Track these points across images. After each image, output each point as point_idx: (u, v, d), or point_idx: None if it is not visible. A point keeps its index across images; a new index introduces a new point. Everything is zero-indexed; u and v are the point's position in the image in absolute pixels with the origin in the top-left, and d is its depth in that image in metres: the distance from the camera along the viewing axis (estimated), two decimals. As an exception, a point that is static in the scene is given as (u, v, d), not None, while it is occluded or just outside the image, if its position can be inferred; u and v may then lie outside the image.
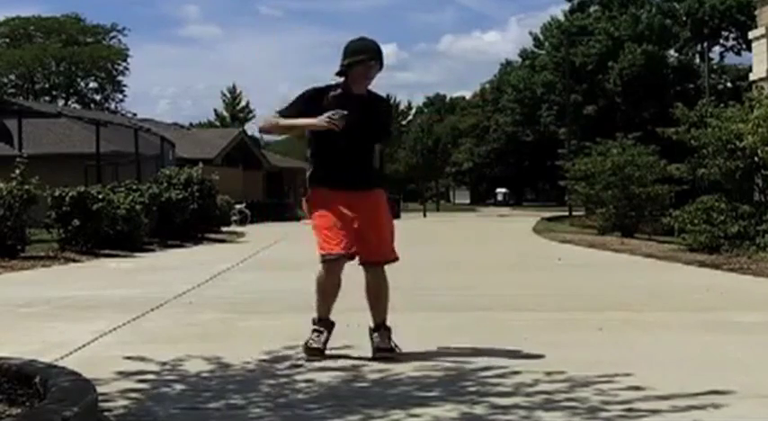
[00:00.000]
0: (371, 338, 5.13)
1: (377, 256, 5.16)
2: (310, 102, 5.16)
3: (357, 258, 5.20)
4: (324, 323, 5.15)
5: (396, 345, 5.08)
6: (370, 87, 5.27)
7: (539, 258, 14.21)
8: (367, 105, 5.17)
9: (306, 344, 5.09)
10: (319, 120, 5.05)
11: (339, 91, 5.17)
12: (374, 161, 5.29)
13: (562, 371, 4.47)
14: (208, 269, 11.57)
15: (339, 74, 5.20)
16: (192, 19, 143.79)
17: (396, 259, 5.24)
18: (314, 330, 5.14)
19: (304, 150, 5.40)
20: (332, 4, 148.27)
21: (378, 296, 5.19)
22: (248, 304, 7.84)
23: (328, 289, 5.14)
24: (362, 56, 5.11)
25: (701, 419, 3.62)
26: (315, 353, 5.02)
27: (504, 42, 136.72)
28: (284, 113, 5.27)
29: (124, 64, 76.33)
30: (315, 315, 5.20)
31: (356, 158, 5.14)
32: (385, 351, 5.03)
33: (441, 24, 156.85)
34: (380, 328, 5.14)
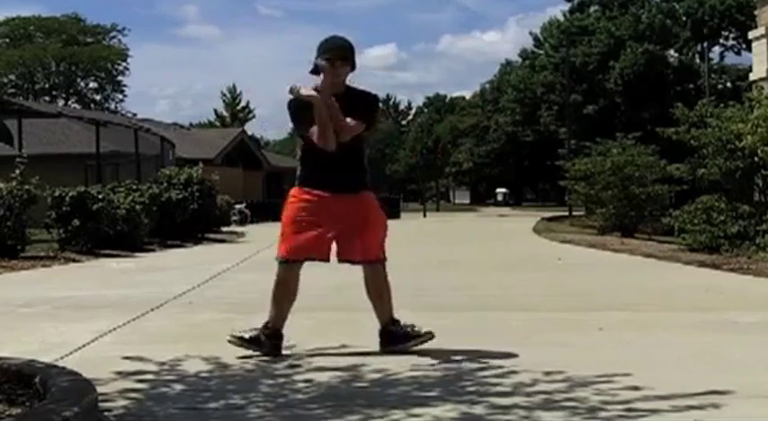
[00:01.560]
0: (384, 337, 5.15)
1: (362, 257, 5.15)
2: (304, 111, 5.11)
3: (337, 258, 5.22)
4: (270, 331, 5.12)
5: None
6: (353, 85, 5.26)
7: (539, 258, 14.21)
8: (346, 103, 5.12)
9: (235, 333, 5.12)
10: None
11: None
12: (363, 163, 5.29)
13: (562, 371, 4.47)
14: (208, 269, 11.56)
15: (313, 72, 5.19)
16: (191, 19, 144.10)
17: (383, 260, 5.22)
18: (255, 329, 5.14)
19: (295, 151, 5.40)
20: (330, 3, 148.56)
21: (379, 293, 5.20)
22: (248, 304, 7.82)
23: (277, 289, 5.17)
24: (327, 55, 5.10)
25: (701, 419, 3.62)
26: (235, 341, 5.05)
27: (504, 42, 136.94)
28: (300, 132, 5.28)
29: (124, 64, 76.46)
30: (268, 320, 5.18)
31: (342, 159, 5.11)
32: (423, 336, 5.11)
33: (440, 24, 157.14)
34: (394, 324, 5.17)
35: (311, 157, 5.21)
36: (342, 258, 5.21)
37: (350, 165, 5.17)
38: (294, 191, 5.24)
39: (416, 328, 5.17)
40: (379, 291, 5.20)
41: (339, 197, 5.11)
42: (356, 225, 5.12)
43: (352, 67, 5.21)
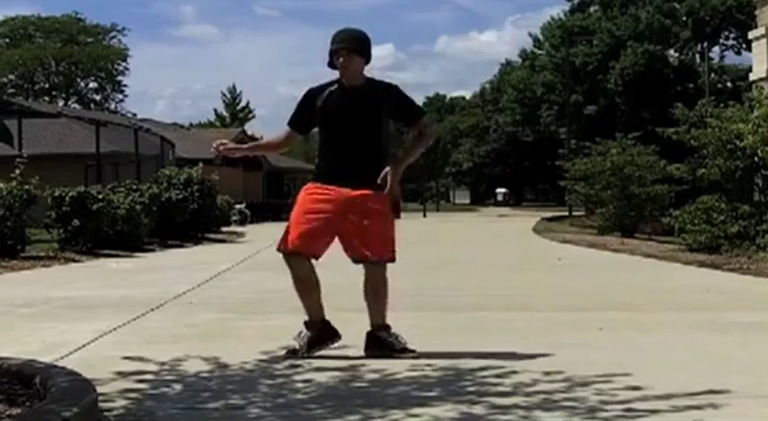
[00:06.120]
0: (370, 340, 5.11)
1: (368, 255, 5.09)
2: (305, 106, 5.18)
3: (348, 255, 5.20)
4: (309, 324, 5.14)
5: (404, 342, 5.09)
6: (374, 77, 5.23)
7: (539, 258, 14.21)
8: (365, 97, 5.10)
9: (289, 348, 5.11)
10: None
11: (335, 86, 5.16)
12: (380, 159, 5.14)
13: (561, 371, 4.47)
14: (208, 269, 11.56)
15: (330, 66, 5.17)
16: (188, 19, 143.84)
17: (392, 260, 5.17)
18: (299, 334, 5.15)
19: (312, 147, 5.40)
20: (328, 3, 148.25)
21: (376, 294, 5.13)
22: (248, 304, 7.84)
23: (296, 285, 5.18)
24: (335, 46, 5.09)
25: (700, 419, 3.62)
26: (289, 353, 5.03)
27: (501, 43, 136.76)
28: (292, 121, 5.29)
29: (124, 64, 76.38)
30: (307, 318, 5.20)
31: (356, 154, 5.08)
32: (409, 351, 5.02)
33: (437, 24, 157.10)
34: (383, 329, 5.11)
35: (327, 151, 5.20)
36: (353, 256, 5.15)
37: (366, 161, 5.08)
38: (308, 185, 5.22)
39: (402, 340, 5.07)
40: (376, 291, 5.14)
41: (354, 192, 5.05)
42: (369, 221, 5.06)
43: (367, 59, 5.16)
